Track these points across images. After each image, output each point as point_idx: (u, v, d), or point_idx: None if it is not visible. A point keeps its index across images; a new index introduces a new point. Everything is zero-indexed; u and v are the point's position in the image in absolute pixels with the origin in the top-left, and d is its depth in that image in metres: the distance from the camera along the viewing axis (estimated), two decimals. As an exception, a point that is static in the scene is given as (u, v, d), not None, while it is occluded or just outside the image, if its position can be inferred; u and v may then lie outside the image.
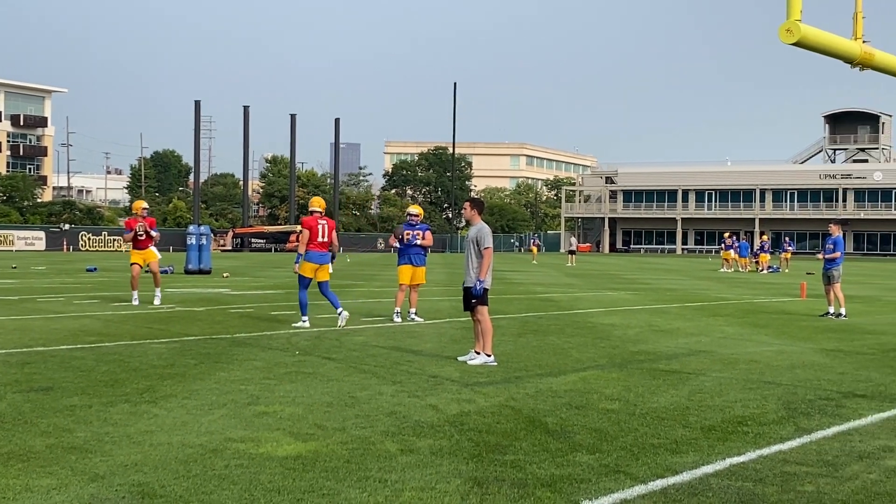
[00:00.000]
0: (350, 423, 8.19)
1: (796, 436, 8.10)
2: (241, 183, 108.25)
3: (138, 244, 21.26)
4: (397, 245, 17.87)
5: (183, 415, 8.43)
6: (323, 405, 9.01)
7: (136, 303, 20.59)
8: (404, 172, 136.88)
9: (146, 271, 21.56)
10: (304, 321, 16.52)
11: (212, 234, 41.10)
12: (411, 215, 18.00)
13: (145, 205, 21.92)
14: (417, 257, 17.83)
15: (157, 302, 20.83)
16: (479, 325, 12.27)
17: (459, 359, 12.41)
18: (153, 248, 21.54)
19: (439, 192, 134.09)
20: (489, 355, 12.18)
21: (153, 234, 21.22)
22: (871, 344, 15.59)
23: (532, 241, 79.02)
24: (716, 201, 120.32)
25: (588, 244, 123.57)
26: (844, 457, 7.40)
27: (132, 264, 21.22)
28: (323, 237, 16.58)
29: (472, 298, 12.31)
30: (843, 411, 9.32)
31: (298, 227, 16.95)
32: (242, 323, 16.97)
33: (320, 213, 16.86)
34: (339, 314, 16.31)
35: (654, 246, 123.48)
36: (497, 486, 6.33)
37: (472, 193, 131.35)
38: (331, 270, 17.05)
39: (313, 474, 6.51)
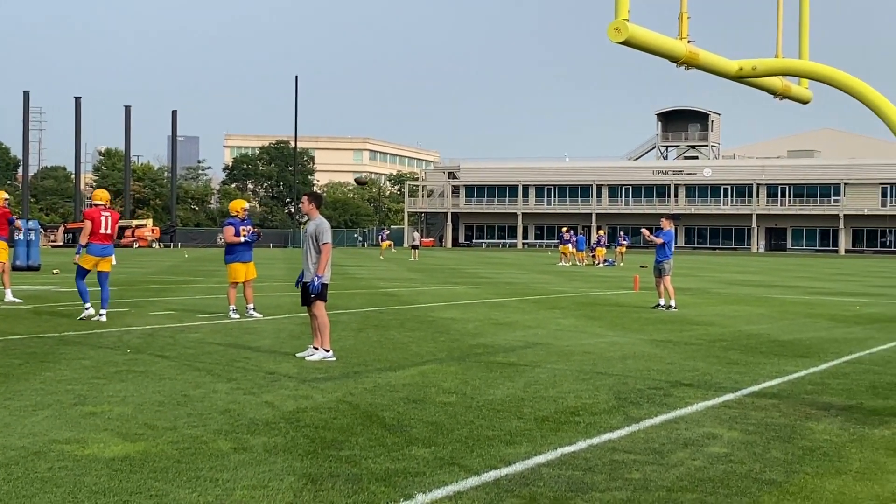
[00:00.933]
0: (182, 422, 8.01)
1: (625, 425, 8.32)
2: (74, 176, 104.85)
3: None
4: (246, 239, 17.52)
5: (5, 416, 8.09)
6: (154, 404, 8.79)
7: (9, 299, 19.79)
8: (245, 166, 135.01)
9: None
10: (87, 308, 16.58)
11: (41, 230, 39.69)
12: (246, 210, 17.85)
13: (6, 195, 20.81)
14: (249, 253, 17.70)
15: (13, 299, 20.11)
16: (316, 321, 12.19)
17: (298, 355, 12.31)
18: None
19: (281, 187, 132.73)
20: (328, 351, 12.11)
21: None
22: (698, 335, 16.16)
23: (381, 235, 78.80)
24: (555, 196, 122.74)
25: (431, 239, 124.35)
26: (670, 444, 7.63)
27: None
28: (106, 229, 16.78)
29: (311, 294, 12.20)
30: (670, 400, 9.62)
31: (87, 223, 16.85)
32: (72, 321, 16.42)
33: (104, 205, 17.04)
34: (100, 314, 16.50)
35: (496, 240, 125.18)
36: (331, 482, 6.29)
37: (315, 188, 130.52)
38: (114, 262, 16.93)
39: (141, 475, 6.34)
